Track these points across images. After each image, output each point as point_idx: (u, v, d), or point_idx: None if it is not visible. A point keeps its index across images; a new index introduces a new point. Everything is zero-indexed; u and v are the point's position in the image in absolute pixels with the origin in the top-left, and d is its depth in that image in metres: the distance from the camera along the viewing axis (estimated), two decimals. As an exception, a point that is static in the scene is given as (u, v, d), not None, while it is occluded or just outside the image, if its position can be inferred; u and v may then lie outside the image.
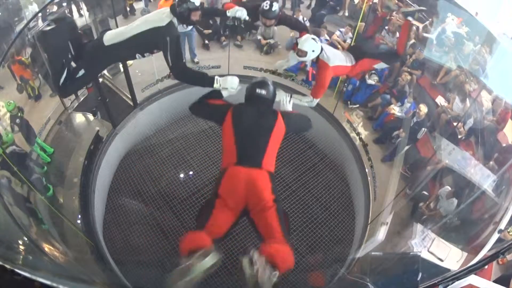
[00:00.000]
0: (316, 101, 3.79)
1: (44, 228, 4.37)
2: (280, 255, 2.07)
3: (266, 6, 3.65)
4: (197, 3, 3.09)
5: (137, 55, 3.32)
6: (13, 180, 4.27)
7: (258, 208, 2.37)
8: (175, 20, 3.13)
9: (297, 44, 3.67)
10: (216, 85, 2.90)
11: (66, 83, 3.19)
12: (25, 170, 4.59)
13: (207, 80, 2.95)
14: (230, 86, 2.89)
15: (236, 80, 2.93)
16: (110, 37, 3.13)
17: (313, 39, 3.64)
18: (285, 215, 2.48)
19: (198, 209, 2.76)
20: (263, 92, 2.70)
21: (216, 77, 2.95)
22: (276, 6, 3.72)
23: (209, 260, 2.01)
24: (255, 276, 1.88)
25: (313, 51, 3.61)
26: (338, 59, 3.90)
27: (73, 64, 3.27)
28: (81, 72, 3.20)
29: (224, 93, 2.94)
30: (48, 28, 3.13)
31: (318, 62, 3.75)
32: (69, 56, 3.24)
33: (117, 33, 3.16)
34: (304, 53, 3.62)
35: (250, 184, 2.38)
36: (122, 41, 3.11)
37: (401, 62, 6.73)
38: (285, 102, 3.11)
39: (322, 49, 3.69)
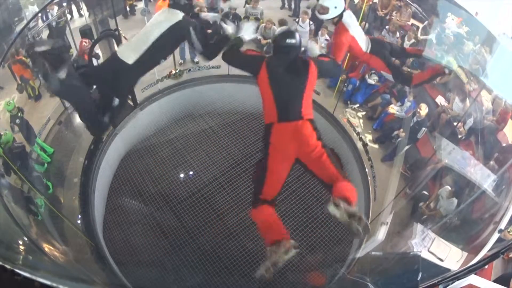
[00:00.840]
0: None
1: (40, 219, 4.39)
2: (348, 191, 2.32)
3: None
4: None
5: (161, 61, 3.18)
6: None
7: (310, 158, 2.54)
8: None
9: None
10: (226, 30, 2.94)
11: (105, 117, 3.08)
12: (25, 168, 4.58)
13: (224, 39, 2.97)
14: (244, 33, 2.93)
15: (234, 26, 2.97)
16: (128, 54, 2.93)
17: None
18: (333, 152, 2.63)
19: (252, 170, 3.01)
20: (293, 41, 2.69)
21: (224, 24, 2.96)
22: None
23: (292, 254, 2.27)
24: (345, 212, 2.14)
25: (335, 7, 3.37)
26: (358, 32, 3.66)
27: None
28: (116, 101, 3.08)
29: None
30: (61, 74, 2.73)
31: (338, 25, 3.49)
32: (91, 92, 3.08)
33: (134, 47, 2.96)
34: (326, 10, 3.39)
35: (297, 137, 2.53)
36: (145, 51, 2.94)
37: (401, 62, 6.74)
38: (312, 48, 3.08)
39: (344, 10, 3.44)
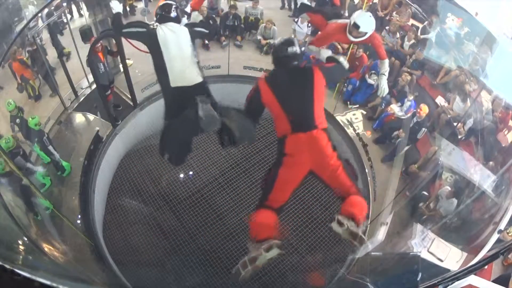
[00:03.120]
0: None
1: (40, 219, 4.42)
2: (357, 207, 2.30)
3: None
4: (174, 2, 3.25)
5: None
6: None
7: (326, 171, 2.47)
8: (176, 24, 3.20)
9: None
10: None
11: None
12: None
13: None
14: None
15: None
16: (191, 77, 3.08)
17: (370, 16, 3.40)
18: (348, 163, 2.62)
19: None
20: (294, 49, 2.65)
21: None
22: None
23: (273, 253, 2.21)
24: (347, 231, 2.17)
25: (372, 29, 3.39)
26: None
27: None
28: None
29: None
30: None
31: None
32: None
33: (187, 67, 3.10)
34: (364, 34, 3.37)
35: (312, 147, 2.45)
36: (194, 63, 3.12)
37: (401, 62, 6.74)
38: (322, 53, 3.14)
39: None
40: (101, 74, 5.34)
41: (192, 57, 3.11)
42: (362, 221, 2.25)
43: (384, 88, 3.68)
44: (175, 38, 3.07)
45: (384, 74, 3.70)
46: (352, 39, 3.42)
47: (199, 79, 3.11)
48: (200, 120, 2.75)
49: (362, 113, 6.62)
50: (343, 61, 3.13)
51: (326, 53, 3.20)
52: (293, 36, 2.80)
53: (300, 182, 2.56)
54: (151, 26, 3.12)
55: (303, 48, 2.97)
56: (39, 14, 5.53)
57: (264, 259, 2.20)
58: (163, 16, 3.16)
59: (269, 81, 2.62)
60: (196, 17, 3.28)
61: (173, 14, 3.17)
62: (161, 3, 3.27)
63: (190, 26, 3.31)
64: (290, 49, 2.63)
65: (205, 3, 7.44)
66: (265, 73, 2.74)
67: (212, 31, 3.44)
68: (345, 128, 6.33)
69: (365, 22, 3.32)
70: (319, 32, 3.90)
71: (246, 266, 2.18)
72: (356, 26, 3.30)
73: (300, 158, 2.46)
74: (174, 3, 3.26)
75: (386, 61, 3.80)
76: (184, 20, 3.72)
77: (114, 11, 3.27)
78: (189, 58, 3.10)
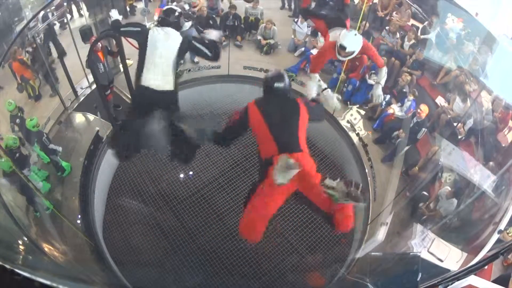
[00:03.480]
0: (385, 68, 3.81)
1: (39, 216, 4.46)
2: (346, 219, 2.53)
3: None
4: (180, 9, 3.31)
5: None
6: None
7: (312, 190, 2.61)
8: (174, 31, 3.26)
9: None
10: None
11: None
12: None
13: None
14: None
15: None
16: (165, 84, 3.17)
17: (355, 34, 3.45)
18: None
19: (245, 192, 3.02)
20: (281, 85, 2.81)
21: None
22: None
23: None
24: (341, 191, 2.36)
25: (360, 46, 3.45)
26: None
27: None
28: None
29: None
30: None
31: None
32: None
33: (161, 76, 3.18)
34: (351, 53, 3.46)
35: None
36: (172, 75, 3.21)
37: (401, 63, 6.74)
38: (311, 89, 3.31)
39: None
40: (100, 74, 5.34)
41: (173, 65, 3.18)
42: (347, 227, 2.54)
43: (379, 96, 3.72)
44: (164, 41, 3.15)
45: (379, 83, 3.75)
46: (342, 58, 3.54)
47: (169, 87, 3.19)
48: (151, 135, 2.98)
49: (359, 112, 6.62)
50: (337, 102, 3.41)
51: (312, 90, 3.36)
52: (282, 71, 2.99)
53: (284, 201, 2.68)
54: (147, 27, 3.26)
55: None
56: (39, 14, 5.53)
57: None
58: (163, 19, 3.26)
59: (259, 106, 2.76)
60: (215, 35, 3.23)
61: (172, 19, 3.25)
62: (167, 7, 3.36)
63: (194, 39, 3.34)
64: (276, 85, 2.81)
65: (205, 3, 7.47)
66: (254, 100, 2.87)
67: (215, 56, 3.36)
68: (345, 128, 6.34)
69: (351, 41, 3.39)
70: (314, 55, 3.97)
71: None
72: (342, 47, 3.38)
73: (284, 187, 2.52)
74: (179, 9, 3.32)
75: (384, 69, 3.81)
76: (188, 24, 3.67)
77: (112, 19, 3.40)
78: (169, 64, 3.17)
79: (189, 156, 3.51)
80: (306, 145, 2.70)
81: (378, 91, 3.73)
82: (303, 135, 2.71)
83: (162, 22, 3.25)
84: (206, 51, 3.31)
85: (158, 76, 3.13)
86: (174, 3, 3.33)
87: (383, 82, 3.74)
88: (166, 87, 3.18)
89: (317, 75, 3.70)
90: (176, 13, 3.28)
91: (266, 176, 2.59)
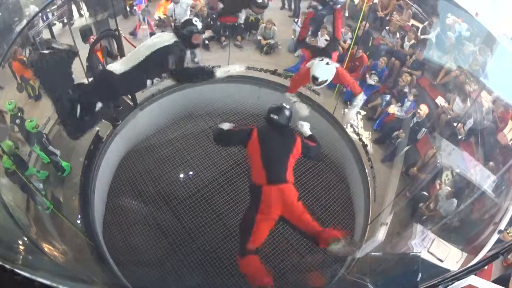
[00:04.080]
0: (362, 94, 3.86)
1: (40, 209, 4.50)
2: (334, 232, 2.90)
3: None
4: (200, 26, 3.17)
5: (147, 81, 3.36)
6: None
7: (294, 215, 2.96)
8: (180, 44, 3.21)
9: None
10: (218, 75, 3.18)
11: (84, 118, 3.17)
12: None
13: (209, 72, 3.23)
14: (228, 73, 3.20)
15: (235, 68, 3.22)
16: (119, 67, 3.14)
17: (327, 63, 3.59)
18: (312, 212, 3.16)
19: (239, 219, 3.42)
20: (276, 118, 3.09)
21: (214, 69, 3.15)
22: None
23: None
24: (342, 246, 2.74)
25: (332, 74, 3.61)
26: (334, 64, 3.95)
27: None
28: (99, 105, 3.22)
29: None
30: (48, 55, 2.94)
31: (337, 72, 3.73)
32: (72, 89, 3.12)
33: (124, 61, 3.18)
34: (324, 82, 3.62)
35: (284, 199, 2.93)
36: (133, 66, 3.12)
37: (401, 63, 6.75)
38: (305, 128, 3.49)
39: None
40: None
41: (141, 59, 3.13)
42: (344, 236, 2.81)
43: (348, 120, 3.77)
44: (150, 41, 3.20)
45: (355, 106, 3.79)
46: (316, 88, 3.76)
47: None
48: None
49: (359, 112, 6.62)
50: (361, 98, 3.66)
51: (307, 128, 3.51)
52: (284, 105, 3.23)
53: (272, 227, 3.01)
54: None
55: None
56: (39, 14, 5.53)
57: None
58: (175, 26, 3.27)
59: (260, 134, 3.08)
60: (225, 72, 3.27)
61: (177, 29, 3.20)
62: (187, 18, 3.27)
63: (178, 58, 3.20)
64: (272, 116, 3.10)
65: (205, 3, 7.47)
66: (258, 127, 3.19)
67: (208, 77, 3.31)
68: (345, 128, 6.34)
69: (322, 72, 3.55)
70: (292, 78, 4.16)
71: None
72: (314, 78, 3.54)
73: (273, 208, 2.91)
74: (197, 26, 3.17)
75: (360, 96, 3.85)
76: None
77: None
78: (138, 58, 3.14)
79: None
80: (292, 174, 3.04)
81: (350, 115, 3.78)
82: (292, 166, 3.04)
83: (174, 31, 3.20)
84: (199, 77, 3.34)
85: (120, 62, 3.20)
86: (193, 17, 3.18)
87: (357, 108, 3.82)
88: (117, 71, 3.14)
89: (293, 94, 3.92)
90: (189, 26, 3.17)
91: (259, 200, 2.92)
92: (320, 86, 3.72)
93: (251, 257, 2.88)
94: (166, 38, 3.18)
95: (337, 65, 3.77)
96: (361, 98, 3.82)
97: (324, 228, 2.92)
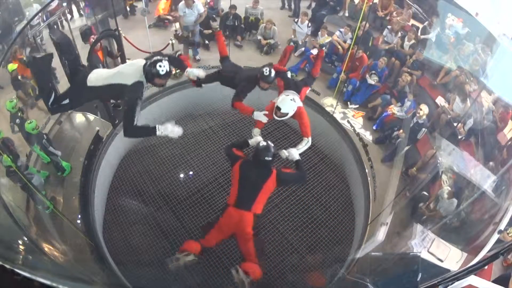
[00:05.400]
0: (310, 139, 4.06)
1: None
2: (251, 270, 3.30)
3: (266, 72, 4.05)
4: (164, 72, 3.11)
5: (111, 100, 3.73)
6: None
7: (242, 238, 3.40)
8: (144, 79, 3.18)
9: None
10: (158, 133, 3.24)
11: (53, 106, 3.48)
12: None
13: (152, 132, 3.28)
14: (170, 135, 3.25)
15: (176, 131, 3.26)
16: (93, 79, 3.30)
17: (291, 99, 3.94)
18: (262, 242, 3.71)
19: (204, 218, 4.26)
20: (261, 158, 3.45)
21: (157, 126, 3.24)
22: (273, 73, 4.09)
23: (190, 257, 3.37)
24: (239, 277, 3.26)
25: (293, 110, 3.95)
26: (298, 101, 4.14)
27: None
28: (66, 101, 3.48)
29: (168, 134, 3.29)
30: (38, 55, 3.48)
31: (297, 110, 4.01)
32: (54, 82, 3.68)
33: (98, 77, 3.30)
34: (285, 114, 3.94)
35: (239, 222, 3.36)
36: (98, 86, 3.28)
37: (401, 63, 6.75)
38: (293, 156, 3.79)
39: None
40: None
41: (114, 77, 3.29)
42: (253, 278, 3.26)
43: (292, 156, 3.81)
44: (121, 68, 3.38)
45: (298, 149, 3.92)
46: (276, 118, 4.03)
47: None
48: None
49: (360, 112, 6.63)
50: (306, 142, 3.99)
51: (295, 155, 3.80)
52: (268, 143, 3.58)
53: (224, 237, 3.55)
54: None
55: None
56: (39, 14, 5.53)
57: (183, 260, 3.30)
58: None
59: (242, 163, 3.54)
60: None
61: (150, 66, 3.13)
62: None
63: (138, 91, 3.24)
64: (266, 158, 3.45)
65: (205, 5, 7.47)
66: (245, 157, 3.67)
67: (130, 130, 3.28)
68: (345, 127, 6.34)
69: (286, 105, 3.92)
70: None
71: (172, 261, 3.33)
72: (278, 108, 3.93)
73: (227, 227, 3.44)
74: (159, 71, 3.10)
75: (306, 140, 4.02)
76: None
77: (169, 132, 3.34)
78: (104, 80, 3.30)
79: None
80: (261, 206, 3.44)
81: (294, 154, 3.81)
82: (263, 198, 3.43)
83: (143, 65, 3.19)
84: (127, 120, 3.26)
85: (97, 74, 3.32)
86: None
87: (301, 150, 3.96)
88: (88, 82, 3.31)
89: (259, 131, 4.21)
90: (156, 72, 3.11)
91: (221, 215, 3.49)
92: (280, 118, 4.04)
93: (197, 243, 3.50)
94: (132, 74, 3.17)
95: (300, 104, 4.09)
96: (306, 143, 4.02)
97: (251, 262, 3.37)
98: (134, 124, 3.17)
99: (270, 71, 4.06)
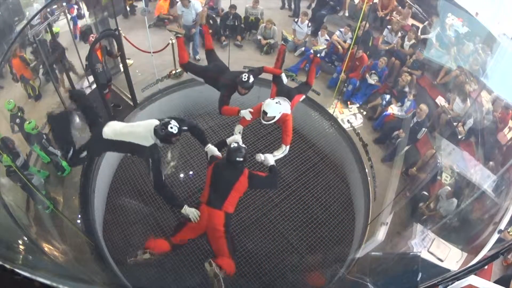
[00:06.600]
0: (288, 148, 4.09)
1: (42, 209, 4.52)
2: (226, 264, 3.27)
3: (244, 78, 4.11)
4: (176, 130, 3.32)
5: (128, 154, 3.85)
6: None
7: (214, 235, 3.43)
8: (158, 142, 3.37)
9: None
10: (182, 211, 3.45)
11: (72, 160, 3.76)
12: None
13: (177, 204, 3.52)
14: (188, 216, 3.43)
15: (195, 214, 3.43)
16: (108, 132, 3.46)
17: (277, 103, 3.98)
18: (232, 239, 3.62)
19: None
20: (231, 158, 3.47)
21: (185, 205, 3.45)
22: (251, 79, 4.17)
23: (146, 256, 3.50)
24: (212, 270, 3.18)
25: (279, 112, 3.97)
26: (286, 107, 4.17)
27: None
28: (84, 153, 3.71)
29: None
30: (57, 112, 3.88)
31: (282, 116, 4.03)
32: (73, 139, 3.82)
33: (114, 131, 3.46)
34: (272, 118, 3.96)
35: (210, 219, 3.40)
36: (115, 140, 3.44)
37: (401, 62, 6.75)
38: (268, 161, 3.81)
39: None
40: (99, 73, 5.35)
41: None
42: (227, 272, 3.24)
43: (268, 161, 3.83)
44: (137, 128, 3.50)
45: (274, 156, 3.96)
46: (264, 122, 4.06)
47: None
48: None
49: (359, 112, 6.62)
50: (284, 150, 4.05)
51: (271, 160, 3.80)
52: (241, 146, 3.60)
53: (196, 235, 3.56)
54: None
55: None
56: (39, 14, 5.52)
57: (141, 257, 3.47)
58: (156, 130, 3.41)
59: (215, 165, 3.58)
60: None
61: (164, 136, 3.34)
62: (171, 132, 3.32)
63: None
64: (238, 159, 3.46)
65: (205, 5, 7.47)
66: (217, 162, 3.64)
67: (158, 186, 3.47)
68: (344, 127, 6.34)
69: (271, 108, 3.95)
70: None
71: (131, 258, 3.50)
72: (264, 112, 3.96)
73: (200, 224, 3.44)
74: (173, 131, 3.31)
75: (284, 147, 4.05)
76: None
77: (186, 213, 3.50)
78: (121, 136, 3.49)
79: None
80: (233, 205, 3.50)
81: (269, 160, 3.83)
82: (234, 198, 3.48)
83: (155, 132, 3.34)
84: (151, 175, 3.42)
85: (113, 130, 3.49)
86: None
87: (277, 157, 3.99)
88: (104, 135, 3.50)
89: (241, 128, 4.24)
90: (170, 133, 3.30)
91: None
92: (268, 122, 4.04)
93: (166, 242, 3.52)
94: (144, 135, 3.36)
95: (289, 111, 4.13)
96: (283, 151, 4.05)
97: (224, 257, 3.35)
98: (163, 179, 3.40)
99: (248, 77, 4.11)
